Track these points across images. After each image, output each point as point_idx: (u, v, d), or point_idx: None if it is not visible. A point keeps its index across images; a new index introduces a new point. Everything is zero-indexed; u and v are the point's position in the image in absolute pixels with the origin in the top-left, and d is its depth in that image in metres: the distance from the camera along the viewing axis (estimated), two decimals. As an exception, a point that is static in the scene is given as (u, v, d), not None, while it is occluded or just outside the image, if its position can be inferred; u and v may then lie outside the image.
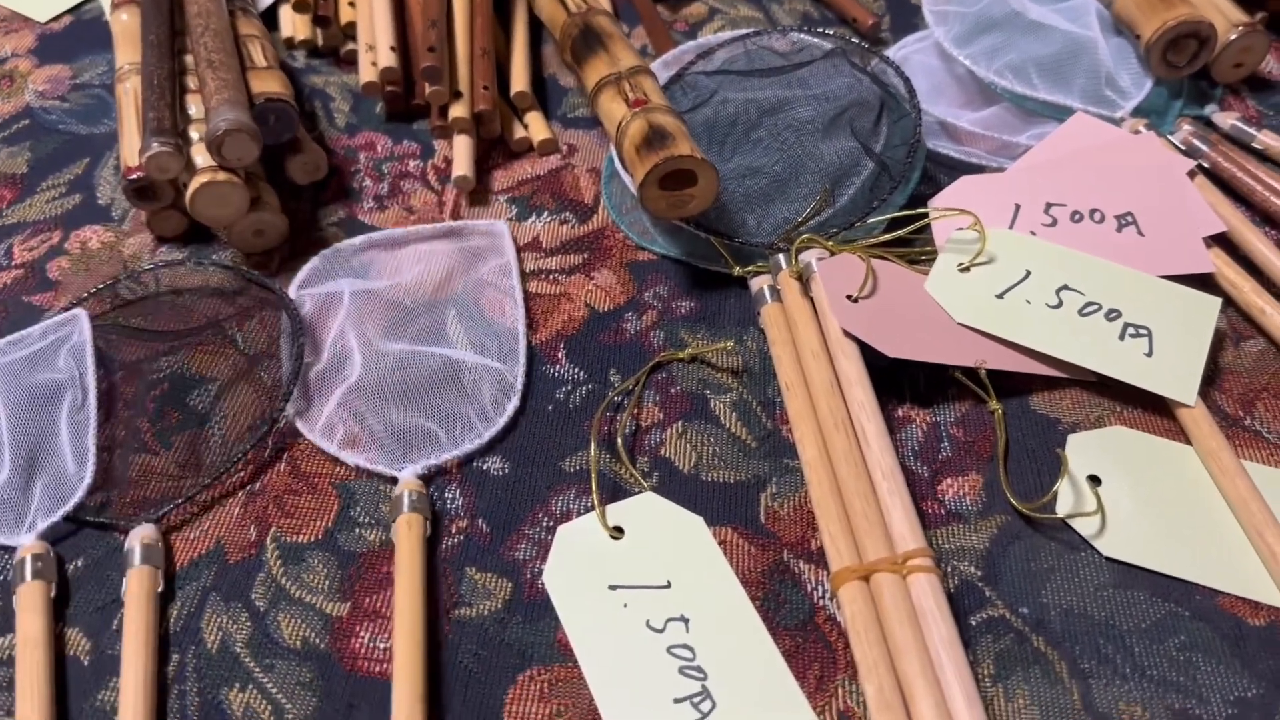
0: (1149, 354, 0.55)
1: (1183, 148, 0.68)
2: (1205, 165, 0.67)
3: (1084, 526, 0.51)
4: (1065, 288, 0.57)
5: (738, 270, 0.61)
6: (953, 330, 0.56)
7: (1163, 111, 0.70)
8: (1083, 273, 0.58)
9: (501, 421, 0.55)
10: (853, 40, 0.71)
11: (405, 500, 0.50)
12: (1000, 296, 0.57)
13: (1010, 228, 0.61)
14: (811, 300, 0.58)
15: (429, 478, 0.53)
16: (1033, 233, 0.61)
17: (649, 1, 0.80)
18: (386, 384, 0.56)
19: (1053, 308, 0.56)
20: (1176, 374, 0.54)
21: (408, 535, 0.49)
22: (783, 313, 0.58)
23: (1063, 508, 0.51)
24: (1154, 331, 0.56)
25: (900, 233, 0.59)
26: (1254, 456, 0.53)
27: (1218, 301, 0.57)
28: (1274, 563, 0.49)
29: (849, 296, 0.56)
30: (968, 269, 0.58)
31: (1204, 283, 0.59)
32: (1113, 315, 0.56)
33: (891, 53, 0.75)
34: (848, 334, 0.54)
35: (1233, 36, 0.71)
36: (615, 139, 0.61)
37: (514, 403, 0.56)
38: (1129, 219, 0.61)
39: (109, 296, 0.60)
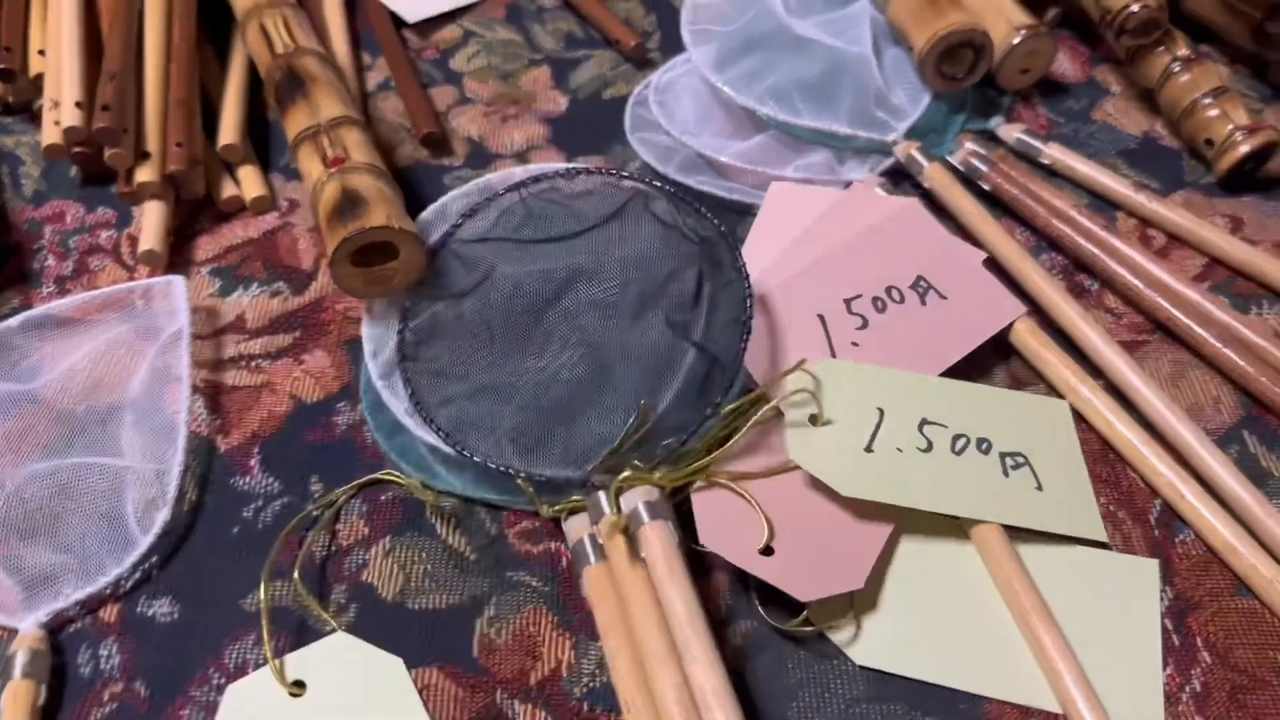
0: (1039, 488, 0.47)
1: (961, 168, 0.62)
2: (986, 188, 0.62)
3: (836, 632, 0.45)
4: (926, 422, 0.49)
5: (546, 510, 0.47)
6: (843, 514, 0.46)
7: (942, 129, 0.65)
8: (937, 400, 0.50)
9: (147, 541, 0.47)
10: (656, 183, 0.52)
11: (17, 662, 0.42)
12: (869, 449, 0.48)
13: (830, 348, 0.52)
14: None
15: (61, 627, 0.45)
16: (854, 343, 0.52)
17: (390, 31, 0.72)
18: (28, 519, 0.47)
19: (924, 451, 0.48)
20: (1076, 506, 0.47)
21: (14, 710, 0.41)
22: (610, 578, 0.44)
23: (815, 611, 0.45)
24: (1030, 457, 0.48)
25: (740, 436, 0.46)
26: (1027, 530, 0.47)
27: (1065, 404, 0.50)
28: (1042, 655, 0.43)
29: (762, 550, 0.44)
30: (820, 422, 0.48)
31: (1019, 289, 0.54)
32: (984, 446, 0.48)
33: (658, 76, 0.69)
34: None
35: (1015, 41, 0.65)
36: (312, 204, 0.53)
37: (163, 515, 0.47)
38: (923, 284, 0.55)
39: None
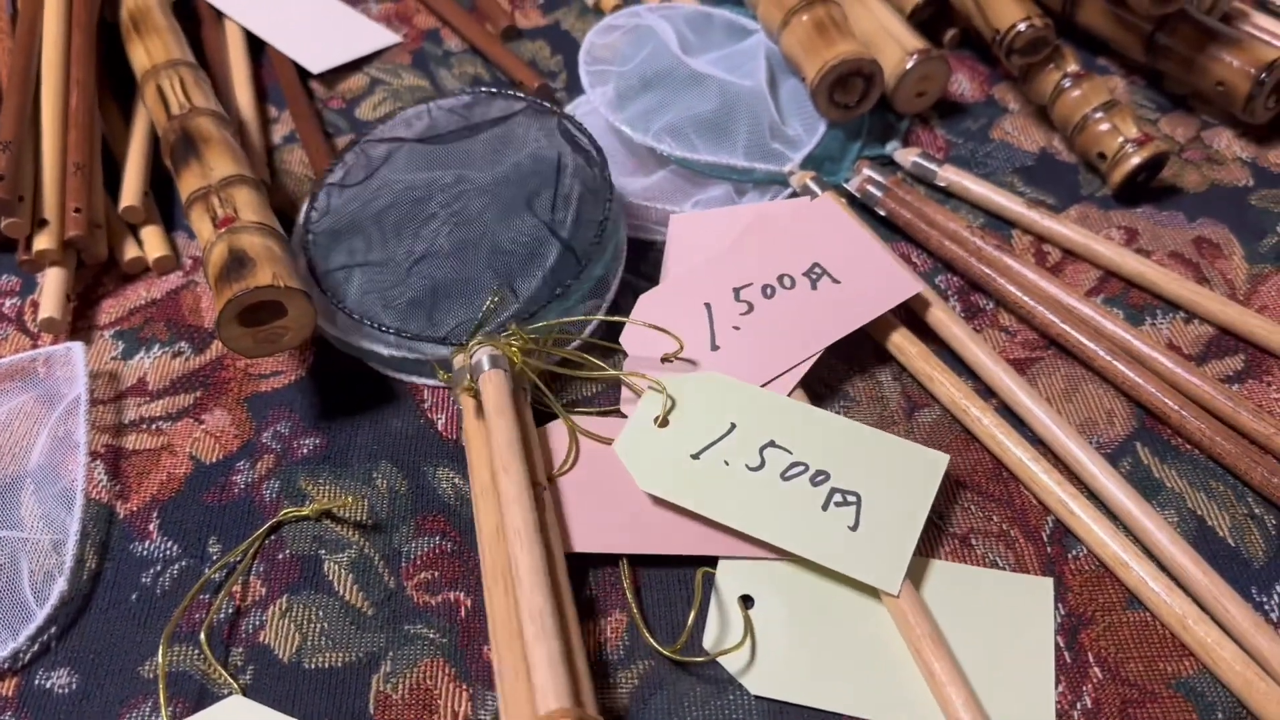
0: (854, 527, 0.47)
1: (858, 196, 0.63)
2: (882, 213, 0.63)
3: (731, 662, 0.45)
4: (772, 444, 0.49)
5: (442, 376, 0.53)
6: (643, 506, 0.49)
7: (839, 157, 0.65)
8: (798, 427, 0.50)
9: (44, 613, 0.46)
10: (542, 102, 0.62)
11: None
12: (696, 457, 0.49)
13: (711, 334, 0.54)
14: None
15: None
16: (735, 327, 0.54)
17: (295, 83, 0.73)
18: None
19: (753, 469, 0.48)
20: (881, 553, 0.46)
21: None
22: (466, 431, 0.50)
23: (709, 640, 0.45)
24: (863, 498, 0.48)
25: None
26: (929, 547, 0.48)
27: (944, 459, 0.49)
28: (933, 682, 0.44)
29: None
30: (665, 423, 0.51)
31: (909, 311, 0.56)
32: (819, 479, 0.48)
33: (562, 115, 0.69)
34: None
35: (908, 66, 0.66)
36: (203, 266, 0.53)
37: (59, 586, 0.47)
38: (818, 270, 0.56)
39: None
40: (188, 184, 0.56)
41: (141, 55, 0.66)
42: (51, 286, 0.58)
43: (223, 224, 0.53)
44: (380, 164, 0.60)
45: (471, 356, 0.51)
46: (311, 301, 0.51)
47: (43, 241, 0.59)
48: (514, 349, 0.51)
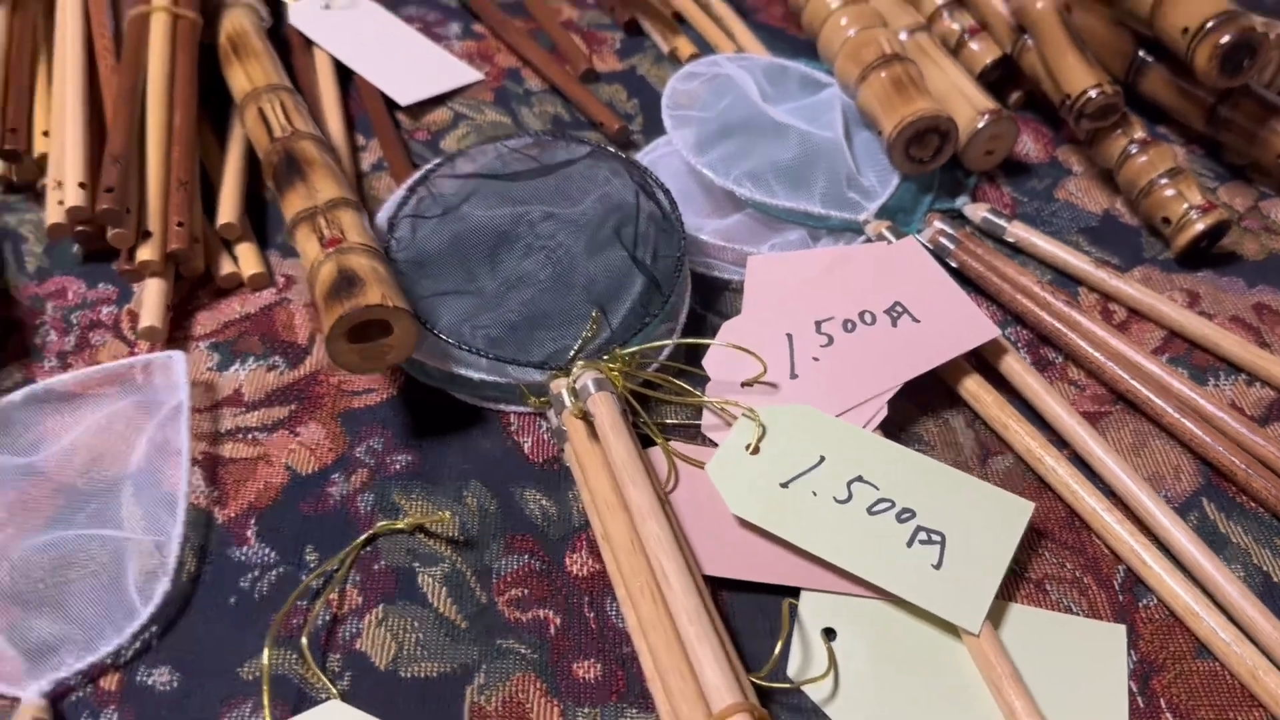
0: (937, 565, 0.48)
1: (930, 247, 0.65)
2: (954, 265, 0.65)
3: (815, 691, 0.46)
4: (859, 479, 0.51)
5: (533, 402, 0.55)
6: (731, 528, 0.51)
7: (911, 208, 0.68)
8: (886, 464, 0.52)
9: (148, 611, 0.48)
10: (607, 146, 0.66)
11: (19, 734, 0.43)
12: (785, 485, 0.51)
13: (791, 363, 0.56)
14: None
15: (62, 695, 0.46)
16: (815, 358, 0.56)
17: (383, 113, 0.75)
18: (33, 589, 0.49)
19: (840, 502, 0.50)
20: (964, 592, 0.47)
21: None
22: (574, 451, 0.52)
23: (792, 669, 0.47)
24: (948, 539, 0.49)
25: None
26: (1005, 590, 0.49)
27: (1029, 506, 0.51)
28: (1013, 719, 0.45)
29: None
30: (756, 450, 0.52)
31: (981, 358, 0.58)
32: (905, 516, 0.50)
33: (641, 157, 0.72)
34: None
35: (980, 125, 0.69)
36: (309, 283, 0.55)
37: (163, 585, 0.49)
38: (899, 309, 0.58)
39: None
40: (293, 204, 0.58)
41: (241, 78, 0.68)
42: (152, 296, 0.60)
43: (330, 244, 0.55)
44: (462, 200, 0.63)
45: (576, 381, 0.53)
46: (415, 321, 0.53)
47: (145, 253, 0.61)
48: (615, 373, 0.53)
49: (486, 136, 0.74)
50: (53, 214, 0.63)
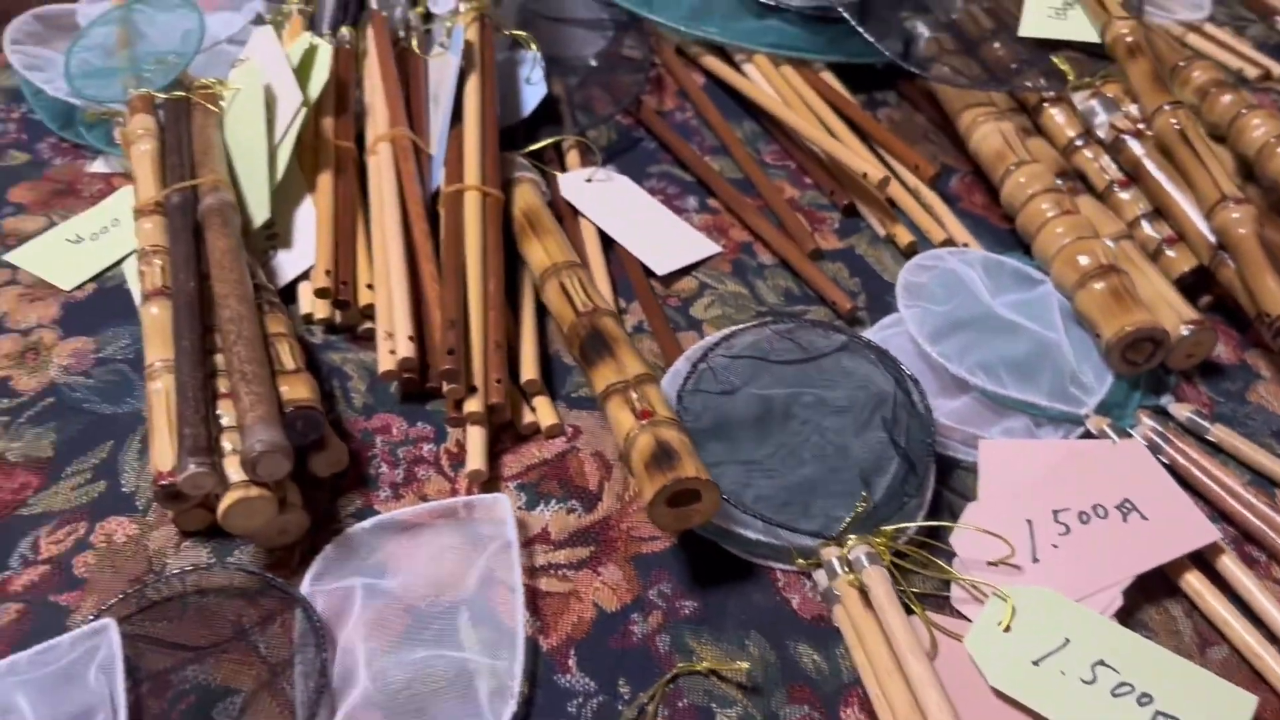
0: None
1: (1144, 443, 0.73)
2: (1165, 462, 0.73)
3: None
4: (1101, 663, 0.59)
5: (801, 563, 0.65)
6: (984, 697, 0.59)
7: (1123, 403, 0.76)
8: (1121, 649, 0.59)
9: (497, 731, 0.57)
10: (861, 338, 0.76)
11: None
12: (1037, 664, 0.59)
13: (1032, 548, 0.65)
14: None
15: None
16: (1054, 545, 0.65)
17: (643, 280, 0.86)
18: (391, 700, 0.58)
19: (1086, 683, 0.58)
20: None
21: None
22: (848, 616, 0.61)
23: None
24: None
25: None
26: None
27: (1253, 700, 0.58)
28: None
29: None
30: (1008, 628, 0.61)
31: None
32: (1144, 700, 0.57)
33: (869, 334, 0.81)
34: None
35: (1184, 333, 0.77)
36: (623, 448, 0.65)
37: (511, 708, 0.58)
38: (1129, 505, 0.67)
39: (135, 599, 0.63)
40: (604, 376, 0.69)
41: (539, 253, 0.80)
42: (475, 442, 0.71)
43: (643, 416, 0.65)
44: (744, 381, 0.73)
45: (850, 551, 0.62)
46: (719, 491, 0.63)
47: (471, 405, 0.72)
48: (882, 547, 0.62)
49: (730, 306, 0.85)
50: (384, 360, 0.75)
